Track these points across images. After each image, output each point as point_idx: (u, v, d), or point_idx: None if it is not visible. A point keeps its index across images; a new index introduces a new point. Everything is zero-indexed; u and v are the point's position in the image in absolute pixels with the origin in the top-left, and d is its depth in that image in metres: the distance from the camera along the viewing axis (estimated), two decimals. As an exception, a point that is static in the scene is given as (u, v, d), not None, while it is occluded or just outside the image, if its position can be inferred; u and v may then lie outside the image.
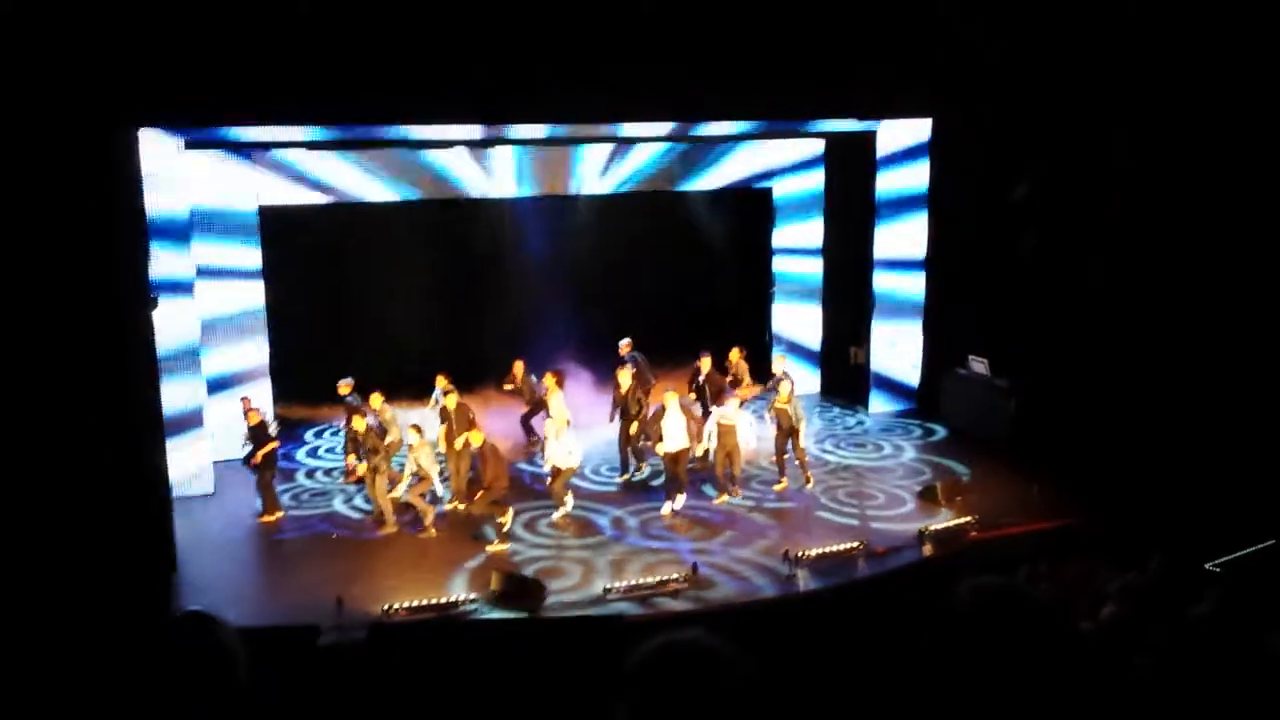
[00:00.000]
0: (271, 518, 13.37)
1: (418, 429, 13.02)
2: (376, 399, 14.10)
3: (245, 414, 13.56)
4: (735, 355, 15.82)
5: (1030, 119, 15.13)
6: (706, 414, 14.28)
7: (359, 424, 13.30)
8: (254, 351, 16.00)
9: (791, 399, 13.91)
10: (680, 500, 13.46)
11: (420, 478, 12.99)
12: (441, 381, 14.58)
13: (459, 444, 13.34)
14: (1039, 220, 15.40)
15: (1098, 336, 14.83)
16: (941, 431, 16.56)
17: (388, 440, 13.62)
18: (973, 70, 14.50)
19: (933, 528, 12.50)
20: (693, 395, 15.32)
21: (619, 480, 14.61)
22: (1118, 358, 14.57)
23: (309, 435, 17.02)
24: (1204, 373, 13.61)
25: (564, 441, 13.06)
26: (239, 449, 13.89)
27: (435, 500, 13.33)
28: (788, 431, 13.96)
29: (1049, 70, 14.25)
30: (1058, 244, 15.35)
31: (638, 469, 14.68)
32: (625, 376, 14.61)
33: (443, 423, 13.78)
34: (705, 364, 15.25)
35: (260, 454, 13.27)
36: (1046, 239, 15.37)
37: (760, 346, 18.52)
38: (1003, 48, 13.95)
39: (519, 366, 15.83)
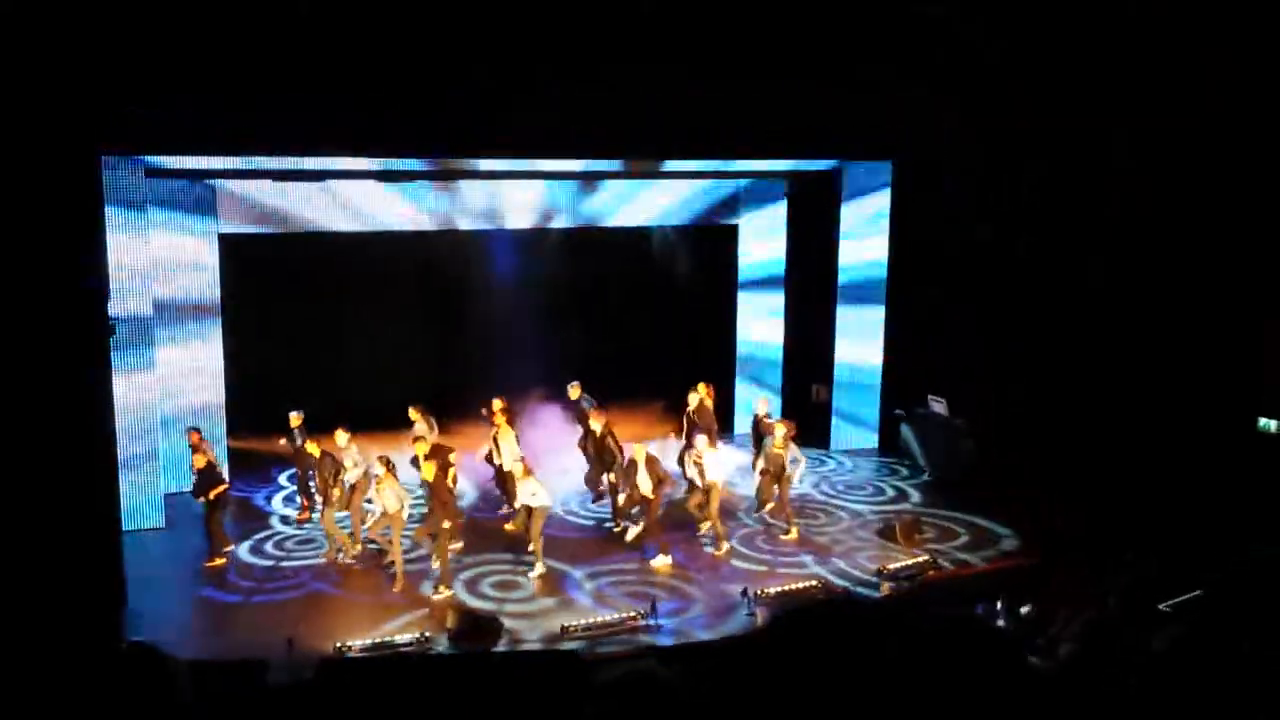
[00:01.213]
0: (217, 562, 12.88)
1: (385, 461, 12.43)
2: (341, 435, 13.41)
3: (193, 450, 13.21)
4: (703, 390, 15.64)
5: (995, 156, 15.39)
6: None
7: (313, 449, 13.06)
8: (208, 381, 15.78)
9: (787, 444, 13.74)
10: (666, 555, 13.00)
11: (384, 513, 12.46)
12: (414, 414, 14.39)
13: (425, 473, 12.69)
14: (1001, 259, 15.63)
15: (1056, 374, 15.04)
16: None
17: (350, 477, 13.12)
18: (934, 113, 14.69)
19: (891, 567, 12.52)
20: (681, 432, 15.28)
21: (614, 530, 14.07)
22: (1076, 396, 14.77)
23: (283, 479, 16.19)
24: (1158, 409, 13.84)
25: (529, 483, 12.58)
26: (189, 482, 13.56)
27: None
28: (775, 476, 13.77)
29: (1040, 89, 14.45)
30: (1020, 283, 15.56)
31: (620, 527, 13.87)
32: (597, 422, 14.51)
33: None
34: (694, 400, 15.22)
35: (212, 494, 12.92)
36: (1008, 275, 15.58)
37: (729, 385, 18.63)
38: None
39: (498, 404, 14.95)
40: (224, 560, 12.93)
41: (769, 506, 14.04)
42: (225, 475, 13.69)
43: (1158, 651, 6.27)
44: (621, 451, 14.00)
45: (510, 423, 14.54)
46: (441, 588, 11.95)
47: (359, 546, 12.99)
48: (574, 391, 15.70)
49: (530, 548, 12.66)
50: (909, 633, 2.58)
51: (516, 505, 12.85)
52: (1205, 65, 12.99)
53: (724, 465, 13.81)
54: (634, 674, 2.24)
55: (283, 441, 14.57)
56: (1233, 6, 12.98)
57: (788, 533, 13.77)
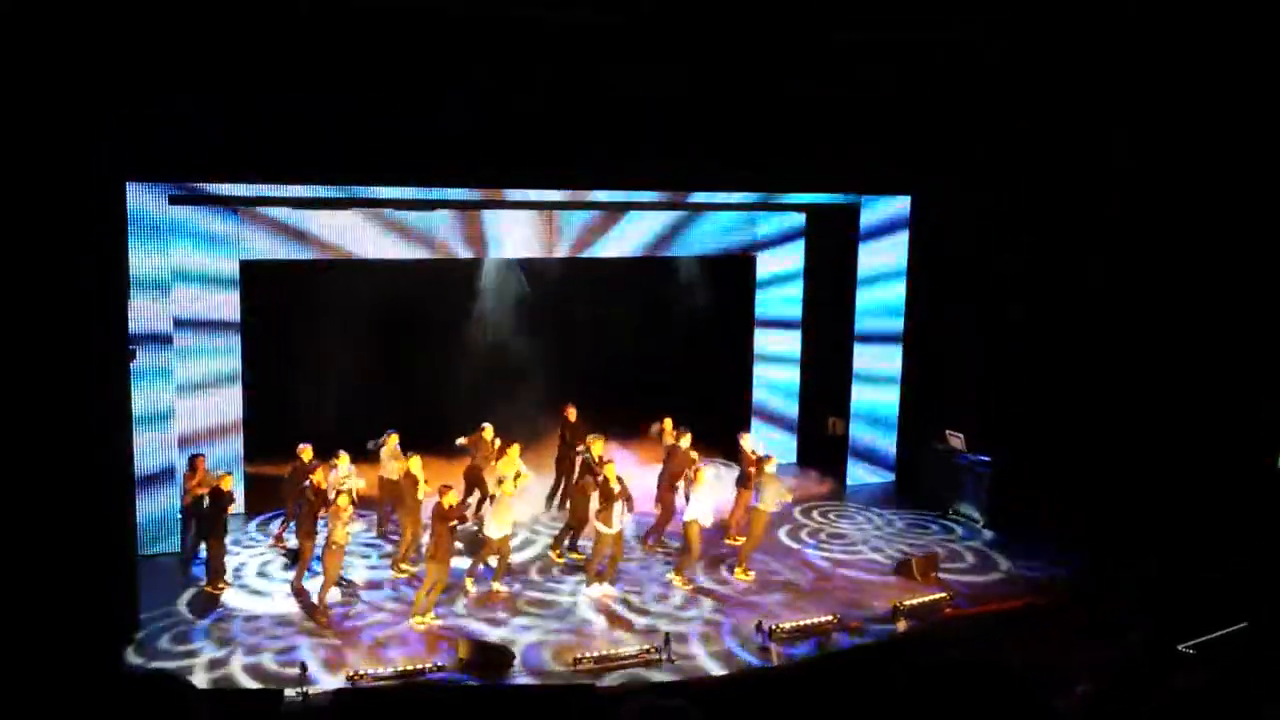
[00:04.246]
0: (219, 588, 12.87)
1: (348, 494, 12.50)
2: (343, 459, 13.65)
3: (216, 479, 12.99)
4: (668, 425, 15.30)
5: (1012, 194, 15.41)
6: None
7: (319, 477, 12.84)
8: (228, 408, 15.82)
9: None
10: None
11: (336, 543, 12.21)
12: (391, 441, 14.30)
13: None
14: (1020, 290, 15.63)
15: (1077, 410, 14.98)
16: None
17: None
18: (955, 148, 14.75)
19: (907, 603, 12.43)
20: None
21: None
22: (1097, 433, 14.71)
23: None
24: (1179, 453, 13.79)
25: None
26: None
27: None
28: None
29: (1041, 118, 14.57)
30: (1037, 318, 15.55)
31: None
32: (686, 442, 14.44)
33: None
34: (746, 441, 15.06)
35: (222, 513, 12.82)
36: (1027, 312, 15.57)
37: (737, 417, 18.62)
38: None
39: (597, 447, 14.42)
40: (222, 589, 12.90)
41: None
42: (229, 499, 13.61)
43: (1179, 692, 6.20)
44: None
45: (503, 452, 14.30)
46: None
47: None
48: (597, 445, 14.48)
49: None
50: (923, 673, 2.58)
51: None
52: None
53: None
54: (657, 708, 2.23)
55: (316, 475, 14.16)
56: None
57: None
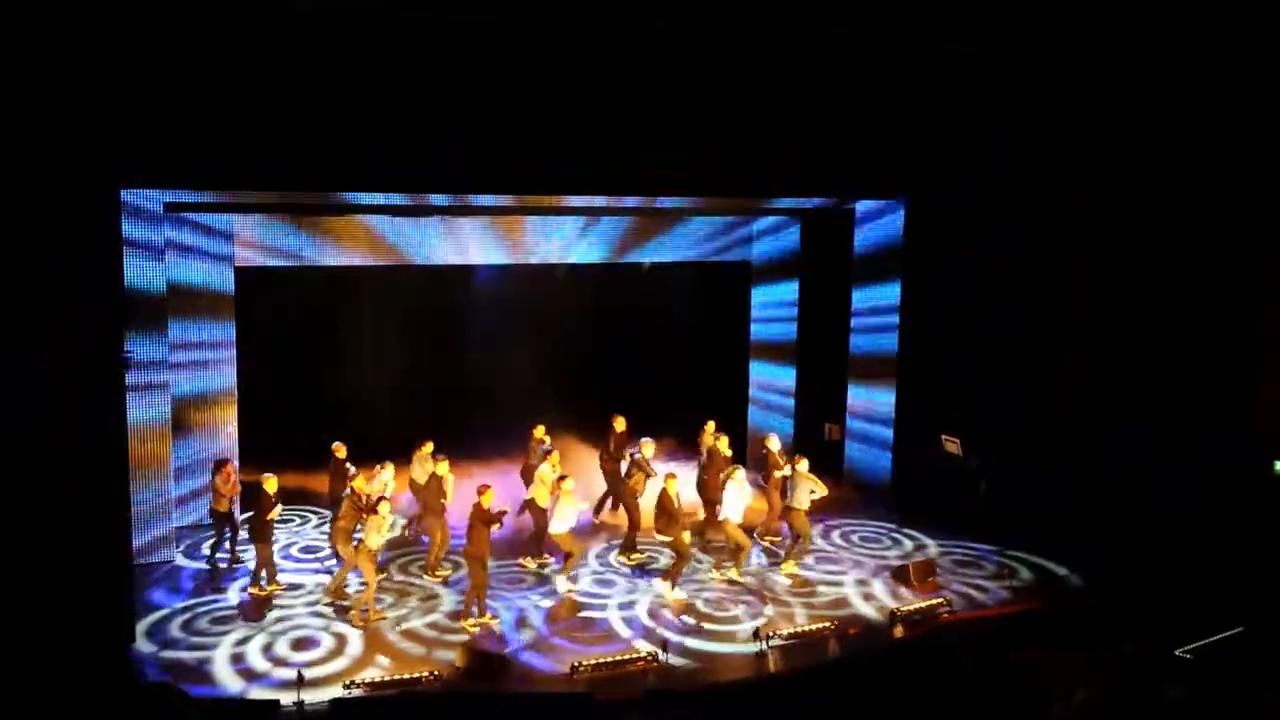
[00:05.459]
0: (277, 586, 12.98)
1: (388, 502, 12.47)
2: (388, 468, 13.74)
3: (262, 483, 12.91)
4: (710, 428, 15.90)
5: (1009, 195, 15.43)
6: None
7: (360, 483, 12.95)
8: (223, 414, 15.79)
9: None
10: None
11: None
12: (425, 449, 14.36)
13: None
14: (1017, 292, 15.64)
15: (1075, 413, 15.00)
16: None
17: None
18: (947, 150, 14.76)
19: (904, 609, 12.42)
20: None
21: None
22: (1089, 439, 14.72)
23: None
24: (1177, 454, 13.83)
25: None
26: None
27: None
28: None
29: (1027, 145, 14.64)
30: (1035, 320, 15.56)
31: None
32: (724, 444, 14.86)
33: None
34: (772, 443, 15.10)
35: (268, 516, 12.76)
36: (1025, 315, 15.58)
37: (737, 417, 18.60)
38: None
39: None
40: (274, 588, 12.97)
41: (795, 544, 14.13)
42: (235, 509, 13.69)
43: (1174, 699, 6.21)
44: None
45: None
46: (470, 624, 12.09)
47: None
48: (648, 448, 14.83)
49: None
50: (926, 678, 2.57)
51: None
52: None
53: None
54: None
55: (359, 478, 13.54)
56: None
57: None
